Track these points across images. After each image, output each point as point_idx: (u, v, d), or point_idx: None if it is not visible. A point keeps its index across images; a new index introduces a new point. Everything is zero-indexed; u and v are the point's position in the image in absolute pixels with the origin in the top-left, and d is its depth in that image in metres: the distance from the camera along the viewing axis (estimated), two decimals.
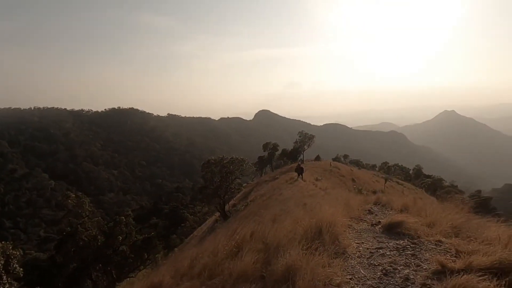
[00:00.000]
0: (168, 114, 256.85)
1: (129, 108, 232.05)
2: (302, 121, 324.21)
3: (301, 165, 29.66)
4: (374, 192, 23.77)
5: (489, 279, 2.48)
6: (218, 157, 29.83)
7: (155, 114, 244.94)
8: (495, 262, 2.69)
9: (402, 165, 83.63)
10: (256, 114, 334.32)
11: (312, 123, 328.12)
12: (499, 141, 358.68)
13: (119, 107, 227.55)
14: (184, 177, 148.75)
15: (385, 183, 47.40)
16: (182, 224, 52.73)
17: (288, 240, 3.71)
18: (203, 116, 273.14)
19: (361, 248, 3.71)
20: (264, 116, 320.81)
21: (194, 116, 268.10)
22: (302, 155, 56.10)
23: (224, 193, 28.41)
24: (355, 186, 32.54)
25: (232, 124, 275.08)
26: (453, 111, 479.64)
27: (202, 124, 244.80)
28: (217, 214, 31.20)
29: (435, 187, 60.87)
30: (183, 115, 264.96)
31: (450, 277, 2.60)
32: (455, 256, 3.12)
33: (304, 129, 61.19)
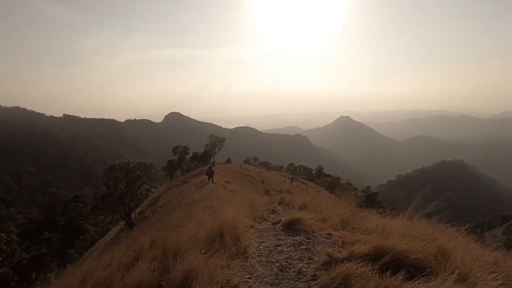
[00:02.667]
0: (64, 114, 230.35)
1: (13, 107, 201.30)
2: (213, 124, 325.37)
3: (212, 168, 29.65)
4: (281, 192, 25.16)
5: (366, 265, 2.79)
6: (124, 161, 27.84)
7: (47, 114, 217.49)
8: (372, 249, 3.06)
9: (306, 166, 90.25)
10: (166, 116, 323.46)
11: (223, 126, 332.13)
12: (384, 143, 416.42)
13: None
14: (84, 185, 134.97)
15: (291, 183, 50.54)
16: (82, 237, 47.65)
17: (190, 245, 3.63)
18: (106, 117, 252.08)
19: (261, 247, 3.85)
20: (175, 118, 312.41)
21: (96, 117, 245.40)
22: (213, 158, 56.20)
23: (130, 200, 26.62)
24: (263, 187, 33.85)
25: (140, 127, 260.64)
26: (348, 116, 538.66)
27: (105, 126, 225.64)
28: (122, 223, 29.08)
29: (334, 185, 67.23)
30: (82, 116, 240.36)
31: (335, 266, 2.87)
32: (342, 247, 3.46)
33: (215, 132, 61.47)
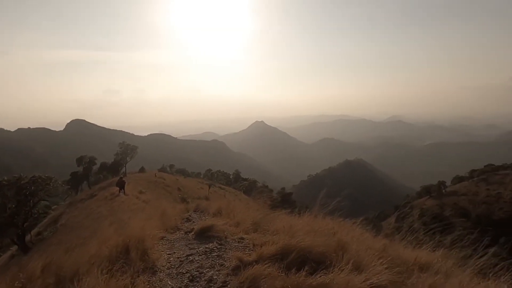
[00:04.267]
0: None
1: None
2: (124, 131, 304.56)
3: (123, 179, 27.72)
4: (199, 199, 24.77)
5: (274, 265, 2.90)
6: (13, 176, 24.14)
7: None
8: (279, 249, 3.19)
9: (224, 171, 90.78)
10: (68, 124, 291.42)
11: (136, 134, 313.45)
12: (295, 146, 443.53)
13: None
14: None
15: (209, 189, 50.22)
16: None
17: (90, 266, 3.29)
18: None
19: (172, 258, 3.70)
20: (79, 126, 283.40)
21: None
22: (124, 167, 52.52)
23: (23, 221, 23.18)
24: (180, 195, 32.94)
25: (35, 136, 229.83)
26: (262, 121, 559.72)
27: None
28: (15, 247, 25.14)
29: (251, 188, 68.90)
30: None
31: (245, 270, 2.91)
32: (252, 250, 3.53)
33: (127, 140, 57.65)
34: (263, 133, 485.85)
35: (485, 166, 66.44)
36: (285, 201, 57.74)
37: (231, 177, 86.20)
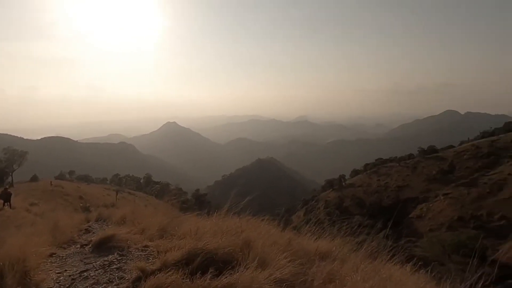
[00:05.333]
0: None
1: None
2: (11, 134, 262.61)
3: (8, 190, 23.83)
4: (105, 207, 22.76)
5: (178, 271, 2.75)
6: None
7: None
8: (185, 254, 3.06)
9: (133, 175, 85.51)
10: None
11: (26, 137, 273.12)
12: (209, 147, 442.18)
13: None
14: None
15: (117, 195, 46.71)
16: None
17: None
18: None
19: (62, 277, 3.24)
20: None
21: None
22: (10, 176, 45.40)
23: None
24: (82, 204, 29.85)
25: None
26: (174, 122, 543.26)
27: None
28: None
29: (164, 191, 66.32)
30: None
31: (146, 281, 2.70)
32: (156, 258, 3.32)
33: (14, 145, 49.98)
34: (176, 134, 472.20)
35: (375, 160, 75.81)
36: (199, 202, 57.07)
37: (141, 181, 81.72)
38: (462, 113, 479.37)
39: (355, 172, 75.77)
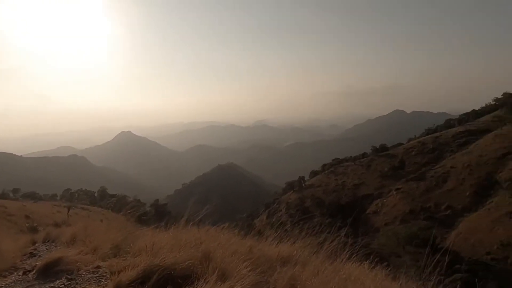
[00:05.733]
0: None
1: None
2: None
3: None
4: (56, 225, 21.19)
5: None
6: None
7: None
8: (140, 272, 2.88)
9: (86, 189, 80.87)
10: None
11: None
12: (167, 155, 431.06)
13: None
14: None
15: (68, 211, 43.78)
16: None
17: None
18: None
19: None
20: None
21: None
22: None
23: None
24: (28, 224, 27.52)
25: None
26: (129, 131, 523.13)
27: None
28: None
29: (121, 204, 63.36)
30: None
31: None
32: (109, 279, 3.09)
33: None
34: (132, 144, 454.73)
35: (332, 160, 78.51)
36: (159, 213, 55.33)
37: (96, 195, 77.43)
38: (409, 112, 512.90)
39: (314, 173, 77.82)
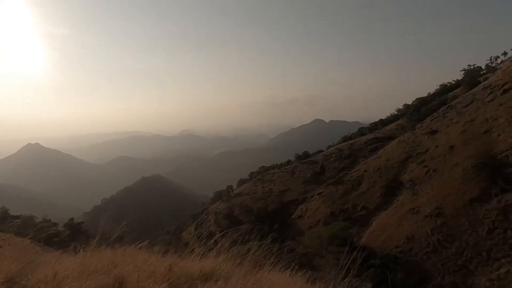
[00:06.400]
0: None
1: None
2: None
3: None
4: None
5: None
6: None
7: None
8: None
9: None
10: None
11: None
12: (84, 169, 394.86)
13: None
14: None
15: None
16: None
17: None
18: None
19: None
20: None
21: None
22: None
23: None
24: None
25: None
26: (37, 143, 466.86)
27: None
28: None
29: (26, 226, 55.91)
30: None
31: None
32: None
33: None
34: (41, 157, 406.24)
35: (259, 168, 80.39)
36: (74, 233, 50.34)
37: None
38: (327, 121, 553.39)
39: (242, 181, 78.66)
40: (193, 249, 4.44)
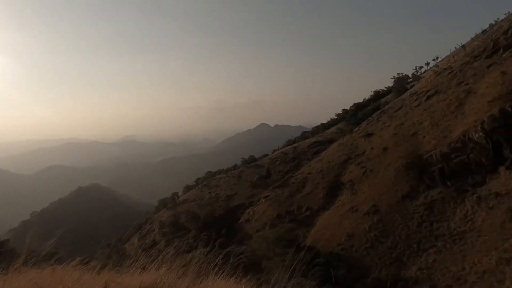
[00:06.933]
0: None
1: None
2: None
3: None
4: None
5: None
6: None
7: None
8: None
9: None
10: None
11: None
12: (9, 180, 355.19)
13: None
14: None
15: None
16: None
17: None
18: None
19: None
20: None
21: None
22: None
23: None
24: None
25: None
26: None
27: None
28: None
29: None
30: None
31: None
32: None
33: None
34: None
35: (205, 173, 79.37)
36: None
37: None
38: (272, 125, 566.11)
39: (188, 188, 76.98)
40: (133, 262, 4.21)
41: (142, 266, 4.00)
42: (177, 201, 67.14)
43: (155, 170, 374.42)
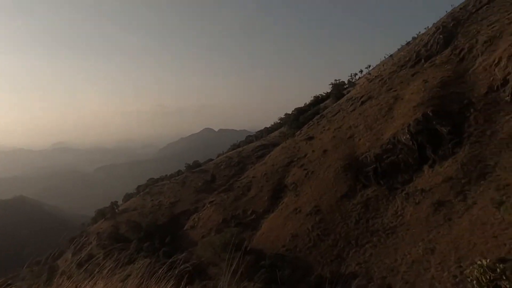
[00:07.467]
0: None
1: None
2: None
3: None
4: None
5: None
6: None
7: None
8: None
9: None
10: None
11: None
12: None
13: None
14: None
15: None
16: None
17: None
18: None
19: None
20: None
21: None
22: None
23: None
24: None
25: None
26: None
27: None
28: None
29: None
30: None
31: None
32: None
33: None
34: None
35: (147, 180, 76.21)
36: None
37: None
38: (216, 130, 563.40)
39: (129, 196, 73.29)
40: (63, 280, 3.86)
41: (75, 284, 3.68)
42: (116, 210, 63.42)
43: (91, 179, 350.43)
